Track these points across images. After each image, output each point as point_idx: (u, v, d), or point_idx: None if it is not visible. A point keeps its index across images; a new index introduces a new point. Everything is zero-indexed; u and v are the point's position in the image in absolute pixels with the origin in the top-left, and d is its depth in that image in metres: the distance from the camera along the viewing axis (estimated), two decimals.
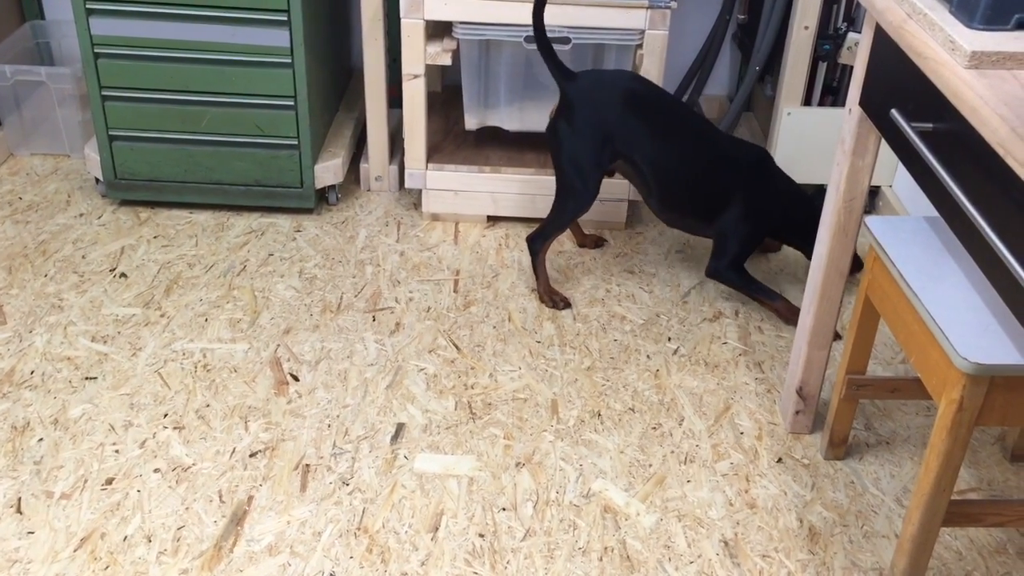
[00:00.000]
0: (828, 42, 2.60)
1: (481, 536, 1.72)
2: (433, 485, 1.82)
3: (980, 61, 1.17)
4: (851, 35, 2.58)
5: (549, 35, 2.18)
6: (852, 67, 2.68)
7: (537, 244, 2.30)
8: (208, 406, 1.99)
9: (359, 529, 1.72)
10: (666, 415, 2.03)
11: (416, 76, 2.47)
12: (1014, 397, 1.38)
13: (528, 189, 2.61)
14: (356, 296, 2.35)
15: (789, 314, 2.28)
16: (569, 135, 2.18)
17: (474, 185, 2.62)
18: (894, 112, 1.35)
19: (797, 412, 1.96)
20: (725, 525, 1.76)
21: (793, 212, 2.32)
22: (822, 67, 2.66)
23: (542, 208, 2.62)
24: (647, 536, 1.73)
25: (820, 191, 2.79)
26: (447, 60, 2.45)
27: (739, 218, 2.27)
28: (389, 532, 1.72)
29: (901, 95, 1.37)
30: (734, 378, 2.14)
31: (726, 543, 1.73)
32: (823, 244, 1.79)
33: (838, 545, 1.73)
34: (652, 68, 2.44)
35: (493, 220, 2.68)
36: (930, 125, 1.30)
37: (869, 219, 1.70)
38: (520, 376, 2.12)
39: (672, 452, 1.93)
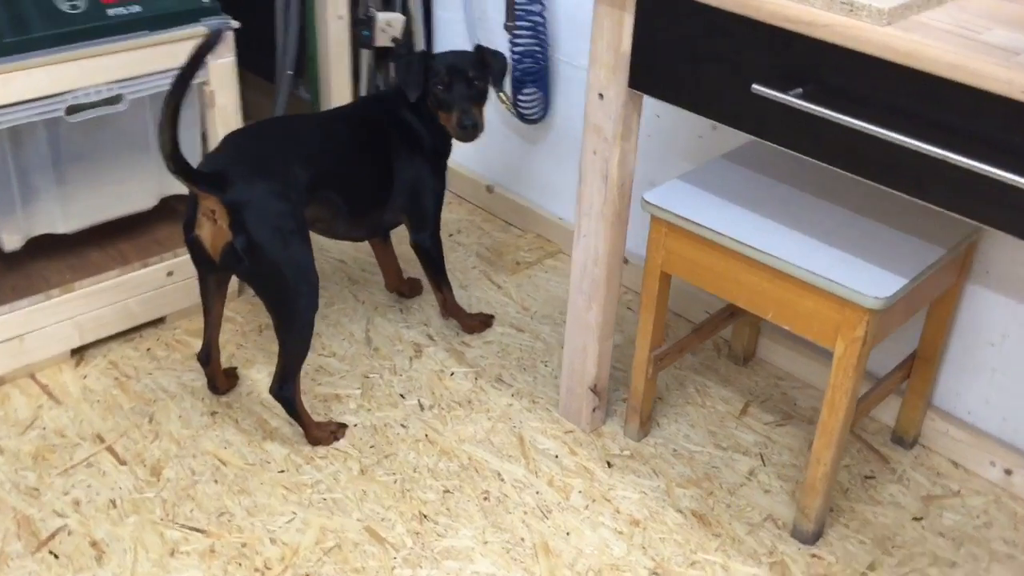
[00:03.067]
0: (365, 27, 2.40)
1: None
2: None
3: (894, 16, 1.16)
4: (379, 16, 2.41)
5: (93, 98, 1.65)
6: (386, 48, 2.54)
7: (288, 389, 1.76)
8: None
9: None
10: (480, 478, 1.77)
11: None
12: (890, 315, 1.48)
13: (116, 296, 1.99)
14: (0, 539, 1.60)
15: (453, 309, 2.13)
16: (269, 238, 1.64)
17: (45, 319, 1.91)
18: (758, 87, 1.28)
19: (594, 409, 1.87)
20: (636, 558, 1.63)
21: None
22: (365, 55, 2.46)
23: (141, 310, 2.04)
24: None
25: None
26: None
27: (420, 170, 1.96)
28: None
29: (757, 68, 1.31)
30: (495, 405, 1.95)
31: (657, 574, 1.60)
32: (598, 238, 1.68)
33: (724, 514, 1.73)
34: (228, 102, 2.00)
35: (79, 353, 2.01)
36: (801, 89, 1.27)
37: (649, 195, 1.64)
38: (304, 522, 1.66)
39: (525, 513, 1.71)
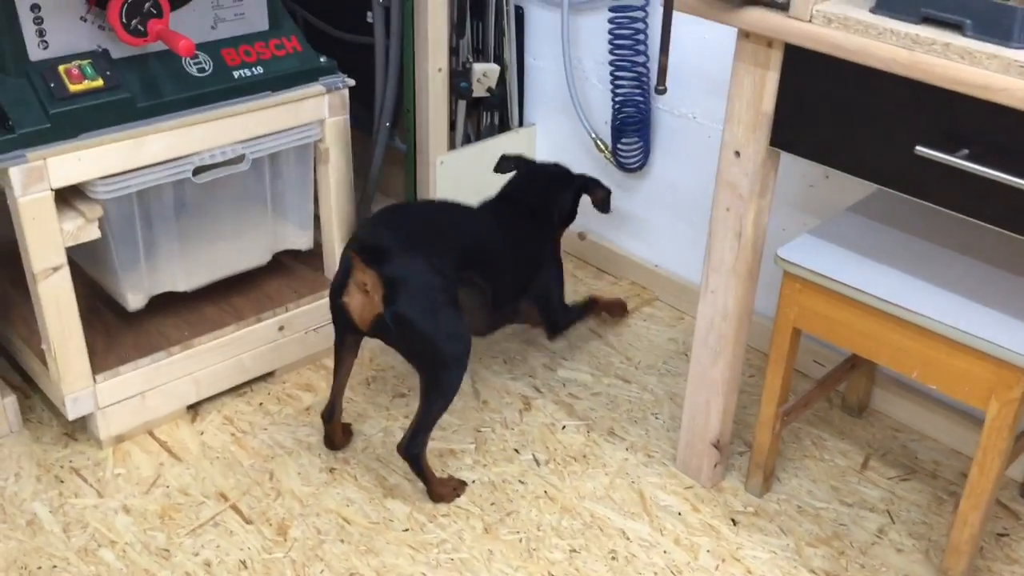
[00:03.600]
0: (463, 79, 2.41)
1: None
2: None
3: None
4: (476, 67, 2.43)
5: (218, 158, 1.80)
6: (479, 98, 2.55)
7: (417, 446, 1.74)
8: None
9: None
10: (606, 537, 1.75)
11: (57, 268, 1.70)
12: None
13: (231, 352, 2.00)
14: None
15: (614, 307, 2.32)
16: (420, 313, 1.66)
17: (165, 376, 1.93)
18: (921, 148, 1.27)
19: (716, 465, 1.85)
20: None
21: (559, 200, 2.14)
22: (462, 105, 2.47)
23: (251, 366, 2.05)
24: None
25: None
26: (95, 233, 1.73)
27: (547, 260, 2.05)
28: None
29: (918, 129, 1.29)
30: (611, 460, 1.93)
31: None
32: (727, 294, 1.66)
33: (859, 575, 1.69)
34: (340, 160, 2.02)
35: (194, 408, 2.02)
36: (967, 150, 1.26)
37: (783, 250, 1.62)
38: None
39: (656, 574, 1.68)
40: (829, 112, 1.39)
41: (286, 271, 2.15)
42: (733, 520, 1.80)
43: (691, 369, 1.79)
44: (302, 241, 2.10)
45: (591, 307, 2.25)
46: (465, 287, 1.79)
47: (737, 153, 1.55)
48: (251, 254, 2.03)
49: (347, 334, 1.79)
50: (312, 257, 2.17)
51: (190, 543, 1.71)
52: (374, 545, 1.72)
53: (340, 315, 1.72)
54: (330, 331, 2.13)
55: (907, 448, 1.98)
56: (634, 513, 1.81)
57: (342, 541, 1.73)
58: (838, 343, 1.61)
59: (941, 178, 1.29)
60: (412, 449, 1.75)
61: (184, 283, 1.95)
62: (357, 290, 1.68)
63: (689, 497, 1.85)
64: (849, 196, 1.95)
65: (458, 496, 1.82)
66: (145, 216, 1.82)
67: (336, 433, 1.91)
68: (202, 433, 1.96)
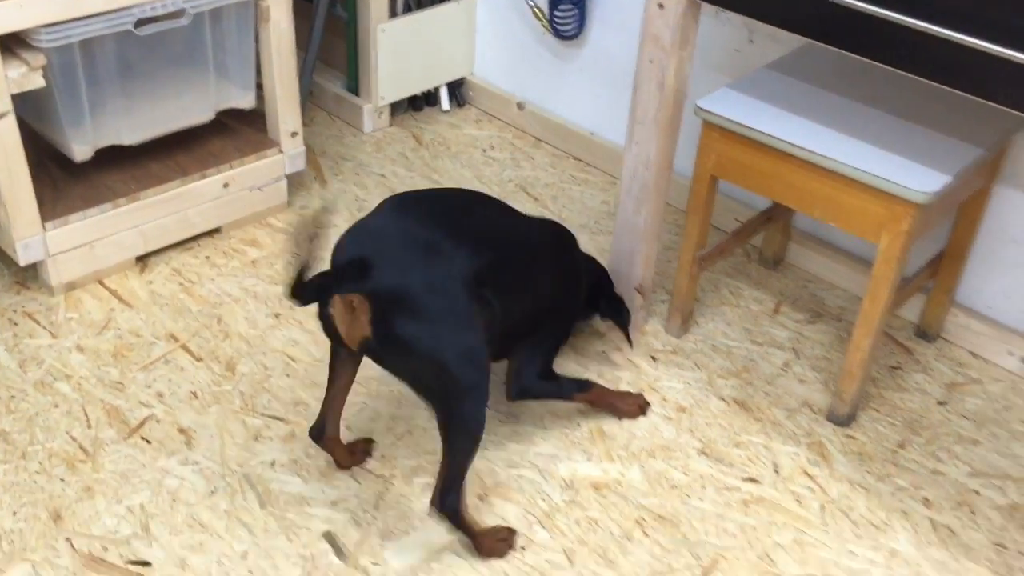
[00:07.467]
0: None
1: None
2: None
3: None
4: None
5: (159, 12, 1.77)
6: None
7: (453, 500, 1.47)
8: None
9: None
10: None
11: (3, 115, 1.74)
12: (932, 211, 1.59)
13: (177, 207, 2.07)
14: (93, 426, 1.70)
15: (622, 403, 1.82)
16: (423, 331, 1.37)
17: (113, 227, 2.00)
18: None
19: (639, 308, 1.98)
20: (685, 440, 1.76)
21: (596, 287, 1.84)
22: None
23: (199, 220, 2.13)
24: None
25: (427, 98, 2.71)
26: (39, 81, 1.77)
27: (559, 311, 1.71)
28: None
29: None
30: None
31: (705, 453, 1.74)
32: (649, 144, 1.77)
33: (763, 401, 1.85)
34: (281, 18, 2.06)
35: (143, 261, 2.09)
36: None
37: (702, 101, 1.72)
38: (375, 411, 1.77)
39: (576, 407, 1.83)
40: None
41: (229, 131, 2.21)
42: (653, 357, 1.95)
43: (617, 218, 1.91)
44: (244, 100, 2.16)
45: (585, 390, 1.76)
46: (480, 305, 1.45)
47: (660, 6, 1.64)
48: (194, 111, 2.08)
49: (340, 347, 1.51)
50: (255, 117, 2.22)
51: (143, 377, 1.81)
52: (318, 380, 1.84)
53: (328, 326, 1.44)
54: (274, 189, 2.23)
55: (816, 296, 2.14)
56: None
57: (288, 376, 1.84)
58: (751, 188, 1.74)
59: (853, 24, 1.40)
60: (447, 504, 1.47)
61: (129, 136, 2.00)
62: (342, 304, 1.39)
63: (614, 338, 1.99)
64: (772, 58, 2.05)
65: (511, 548, 1.55)
66: (89, 68, 1.86)
67: (335, 451, 1.66)
68: (151, 283, 2.05)
